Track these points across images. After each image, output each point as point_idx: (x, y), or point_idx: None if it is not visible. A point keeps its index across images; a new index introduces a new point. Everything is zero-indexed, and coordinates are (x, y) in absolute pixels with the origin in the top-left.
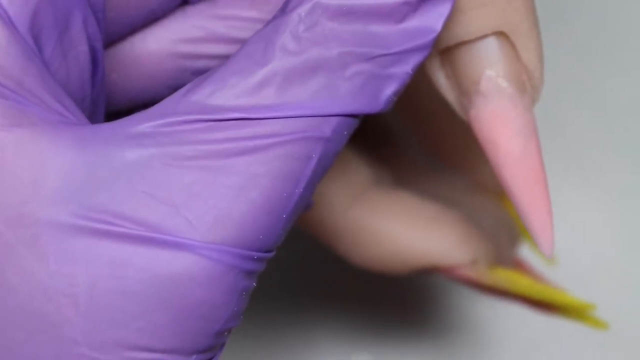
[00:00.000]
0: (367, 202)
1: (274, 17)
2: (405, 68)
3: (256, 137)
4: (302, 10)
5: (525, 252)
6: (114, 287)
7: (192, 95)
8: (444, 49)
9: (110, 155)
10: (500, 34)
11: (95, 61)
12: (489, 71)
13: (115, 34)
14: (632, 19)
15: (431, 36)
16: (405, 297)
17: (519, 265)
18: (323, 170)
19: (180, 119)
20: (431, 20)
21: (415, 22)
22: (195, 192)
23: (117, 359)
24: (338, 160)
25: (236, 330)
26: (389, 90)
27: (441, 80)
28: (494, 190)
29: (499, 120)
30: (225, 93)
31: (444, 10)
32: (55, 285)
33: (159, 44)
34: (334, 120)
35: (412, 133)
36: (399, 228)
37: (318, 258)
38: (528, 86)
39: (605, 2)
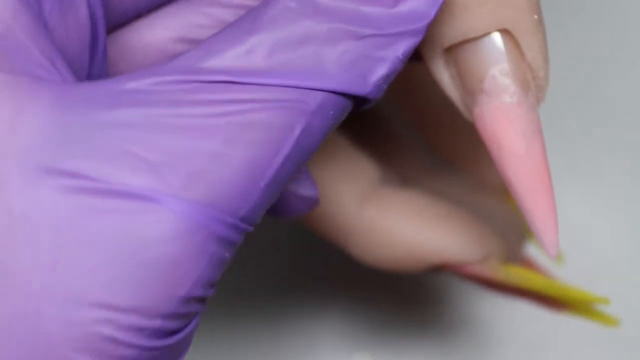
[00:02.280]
0: (378, 202)
1: None
2: (396, 52)
3: (239, 101)
4: None
5: (529, 251)
6: (78, 238)
7: (178, 60)
8: (448, 48)
9: (88, 112)
10: (505, 32)
11: (95, 32)
12: (493, 69)
13: (120, 17)
14: (633, 18)
15: (424, 22)
16: (405, 297)
17: (527, 263)
18: (306, 146)
19: (163, 79)
20: (425, 6)
21: (408, 6)
22: (171, 150)
23: (76, 316)
24: (347, 160)
25: (236, 329)
26: (378, 73)
27: (445, 79)
28: (499, 188)
29: (502, 119)
30: (212, 57)
31: None
32: (16, 233)
33: (166, 31)
34: (320, 95)
35: (417, 133)
36: (411, 226)
37: (318, 257)
38: (532, 85)
39: (605, 2)
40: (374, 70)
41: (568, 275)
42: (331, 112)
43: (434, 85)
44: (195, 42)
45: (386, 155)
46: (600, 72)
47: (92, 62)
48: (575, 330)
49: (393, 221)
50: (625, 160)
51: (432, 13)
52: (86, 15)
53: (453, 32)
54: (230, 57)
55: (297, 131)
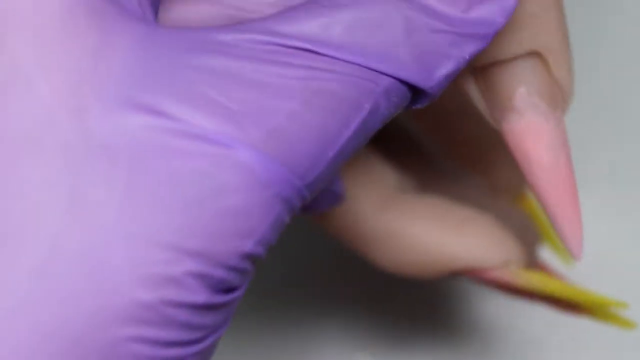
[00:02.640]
0: (397, 207)
1: None
2: (464, 52)
3: (316, 69)
4: None
5: (541, 254)
6: (156, 176)
7: (260, 22)
8: (479, 67)
9: (173, 53)
10: (535, 53)
11: None
12: (522, 89)
13: None
14: (633, 18)
15: (493, 28)
16: (406, 297)
17: (541, 267)
18: (370, 128)
19: (247, 36)
20: (495, 14)
21: (478, 12)
22: (253, 102)
23: (145, 255)
24: (366, 168)
25: (236, 329)
26: (444, 69)
27: (474, 94)
28: (513, 193)
29: (531, 135)
30: (294, 25)
31: (508, 5)
32: (94, 162)
33: (210, 6)
34: (387, 79)
35: (432, 139)
36: (431, 232)
37: (319, 257)
38: (560, 101)
39: (605, 2)
40: (441, 65)
41: (579, 278)
42: (394, 99)
43: (448, 92)
44: (240, 14)
45: (403, 162)
46: (600, 71)
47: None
48: (575, 330)
49: (413, 227)
50: (636, 163)
51: (502, 21)
52: None
53: (485, 53)
54: (310, 27)
55: (365, 109)
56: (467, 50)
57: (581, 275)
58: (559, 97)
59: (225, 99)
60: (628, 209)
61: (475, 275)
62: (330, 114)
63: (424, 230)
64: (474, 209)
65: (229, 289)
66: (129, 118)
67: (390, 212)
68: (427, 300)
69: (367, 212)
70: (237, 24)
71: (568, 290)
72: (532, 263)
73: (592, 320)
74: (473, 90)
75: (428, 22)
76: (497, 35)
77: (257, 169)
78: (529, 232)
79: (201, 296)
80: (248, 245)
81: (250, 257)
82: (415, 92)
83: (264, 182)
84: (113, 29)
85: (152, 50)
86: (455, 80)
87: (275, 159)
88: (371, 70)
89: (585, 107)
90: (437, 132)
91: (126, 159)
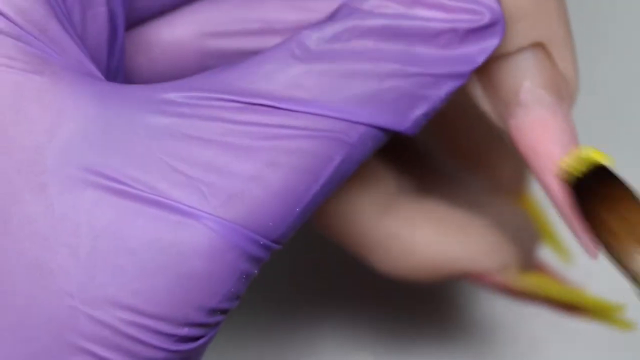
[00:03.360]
0: (397, 212)
1: (321, 20)
2: (439, 92)
3: (283, 126)
4: (350, 21)
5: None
6: (116, 244)
7: (226, 75)
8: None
9: (131, 117)
10: (538, 45)
11: (114, 28)
12: (528, 82)
13: (144, 13)
14: (633, 18)
15: (470, 67)
16: (407, 297)
17: (541, 268)
18: (343, 175)
19: (210, 95)
20: (474, 52)
21: (457, 50)
22: (213, 167)
23: (107, 317)
24: (366, 171)
25: (237, 328)
26: (419, 110)
27: (477, 91)
28: (514, 193)
29: (539, 129)
30: (260, 79)
31: (489, 45)
32: (57, 234)
33: (186, 29)
34: (362, 128)
35: (432, 141)
36: (430, 236)
37: (319, 257)
38: (565, 93)
39: (604, 2)
40: (416, 107)
41: (579, 277)
42: (370, 144)
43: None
44: (217, 43)
45: (403, 164)
46: (599, 70)
47: (110, 57)
48: (575, 330)
49: (412, 231)
50: (631, 156)
51: (480, 60)
52: (105, 11)
53: None
54: (277, 82)
55: (336, 161)
56: (444, 89)
57: (580, 275)
58: (564, 90)
59: (185, 165)
60: None
61: (475, 280)
62: (297, 171)
63: (422, 235)
64: (473, 212)
65: (197, 338)
66: (89, 187)
67: (389, 216)
68: (427, 300)
69: (366, 217)
70: (201, 77)
71: (566, 292)
72: (532, 263)
73: (591, 321)
74: (475, 88)
75: (400, 68)
76: None
77: (218, 234)
78: (529, 232)
79: (166, 350)
80: (212, 304)
81: (216, 311)
82: (394, 131)
83: (226, 246)
84: (67, 100)
85: (109, 112)
86: None
87: (237, 224)
88: (344, 121)
89: (584, 108)
90: (438, 133)
91: (88, 230)
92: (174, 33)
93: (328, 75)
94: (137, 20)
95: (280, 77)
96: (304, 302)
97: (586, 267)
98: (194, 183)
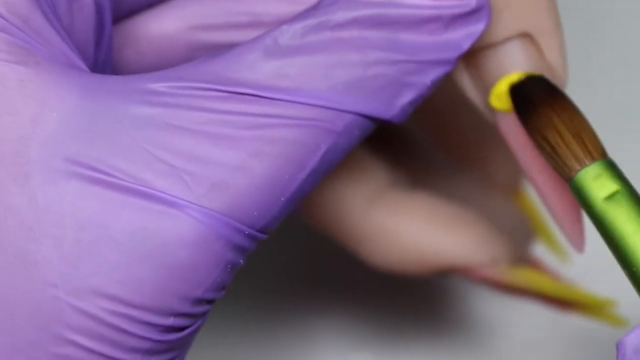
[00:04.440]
0: (386, 204)
1: (306, 9)
2: (425, 79)
3: (268, 116)
4: (334, 10)
5: (536, 252)
6: (100, 234)
7: (210, 65)
8: (469, 52)
9: (115, 107)
10: (525, 35)
11: (101, 20)
12: (515, 72)
13: (132, 5)
14: (633, 18)
15: (456, 53)
16: (406, 296)
17: (534, 264)
18: (329, 164)
19: (194, 84)
20: (460, 38)
21: (443, 36)
22: (196, 156)
23: (91, 308)
24: (355, 163)
25: (236, 327)
26: (405, 98)
27: (465, 81)
28: (508, 189)
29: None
30: (244, 68)
31: (474, 31)
32: (41, 225)
33: (174, 22)
34: (348, 116)
35: (426, 135)
36: (419, 229)
37: (319, 256)
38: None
39: (604, 2)
40: (402, 95)
41: (574, 275)
42: (357, 133)
43: (442, 88)
44: (204, 36)
45: (395, 158)
46: (598, 70)
47: (97, 50)
48: (574, 329)
49: (402, 224)
50: (632, 156)
51: (466, 46)
52: (91, 3)
53: None
54: (262, 71)
55: (322, 150)
56: (430, 76)
57: (575, 272)
58: (552, 81)
59: (168, 155)
60: None
61: (463, 274)
62: (282, 161)
63: (412, 228)
64: (464, 206)
65: (182, 328)
66: (72, 177)
67: (379, 209)
68: (427, 299)
69: (355, 209)
70: (185, 67)
71: (558, 287)
72: (525, 259)
73: (583, 317)
74: (464, 80)
75: (386, 56)
76: None
77: (202, 224)
78: (522, 228)
79: (151, 340)
80: (197, 293)
81: (202, 301)
82: (381, 119)
83: (210, 236)
84: (51, 91)
85: (93, 104)
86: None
87: (222, 213)
88: (330, 109)
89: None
90: (432, 127)
91: (71, 220)
92: (162, 26)
93: (313, 64)
94: (125, 13)
95: (265, 67)
96: (303, 301)
97: (581, 265)
98: (177, 172)
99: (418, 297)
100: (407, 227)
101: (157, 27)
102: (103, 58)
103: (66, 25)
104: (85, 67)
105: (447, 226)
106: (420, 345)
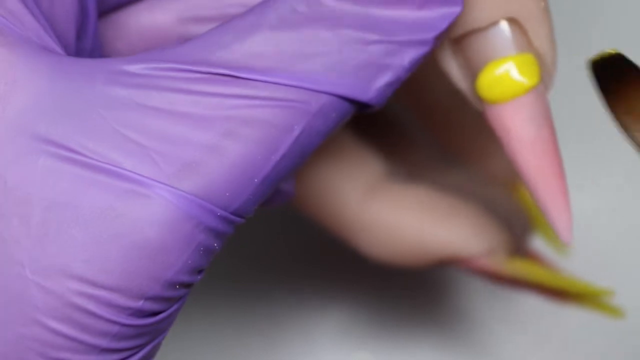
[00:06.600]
0: (383, 195)
1: None
2: (402, 60)
3: (241, 96)
4: None
5: (535, 244)
6: (69, 214)
7: (187, 47)
8: (456, 38)
9: (86, 87)
10: (512, 21)
11: (84, 7)
12: (500, 58)
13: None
14: (632, 18)
15: (433, 33)
16: (406, 295)
17: (532, 255)
18: (305, 146)
19: (165, 65)
20: (436, 17)
21: (419, 15)
22: (167, 136)
23: (59, 288)
24: (352, 154)
25: (236, 327)
26: (382, 80)
27: (454, 70)
28: (506, 181)
29: (511, 107)
30: (217, 49)
31: (451, 12)
32: (8, 204)
33: (166, 14)
34: (323, 97)
35: (424, 127)
36: (416, 220)
37: (318, 255)
38: (540, 72)
39: (603, 2)
40: (378, 76)
41: (573, 267)
42: (333, 115)
43: (439, 80)
44: (194, 23)
45: (393, 150)
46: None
47: (79, 39)
48: (574, 329)
49: (398, 215)
50: (629, 152)
51: (443, 26)
52: None
53: (460, 22)
54: (235, 52)
55: (296, 131)
56: (406, 58)
57: (570, 263)
58: (539, 68)
59: (138, 134)
60: (611, 194)
61: (461, 265)
62: (255, 142)
63: (409, 220)
64: (461, 197)
65: (155, 313)
66: (40, 155)
67: (376, 201)
68: (428, 298)
69: (352, 200)
70: (159, 51)
71: (554, 278)
72: (522, 251)
73: (581, 308)
74: (451, 68)
75: (361, 36)
76: (469, 2)
77: (172, 204)
78: (520, 220)
79: (121, 324)
80: (168, 275)
81: (174, 284)
82: (359, 102)
83: (180, 216)
84: (22, 71)
85: (64, 84)
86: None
87: (192, 194)
88: (305, 90)
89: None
90: (430, 121)
91: (39, 199)
92: (153, 18)
93: (287, 44)
94: (115, 4)
95: (239, 47)
96: (302, 300)
97: (579, 257)
98: (147, 152)
99: (418, 297)
100: (404, 218)
101: (148, 19)
102: (89, 48)
103: (45, 9)
104: (60, 50)
105: (445, 217)
106: (420, 345)
